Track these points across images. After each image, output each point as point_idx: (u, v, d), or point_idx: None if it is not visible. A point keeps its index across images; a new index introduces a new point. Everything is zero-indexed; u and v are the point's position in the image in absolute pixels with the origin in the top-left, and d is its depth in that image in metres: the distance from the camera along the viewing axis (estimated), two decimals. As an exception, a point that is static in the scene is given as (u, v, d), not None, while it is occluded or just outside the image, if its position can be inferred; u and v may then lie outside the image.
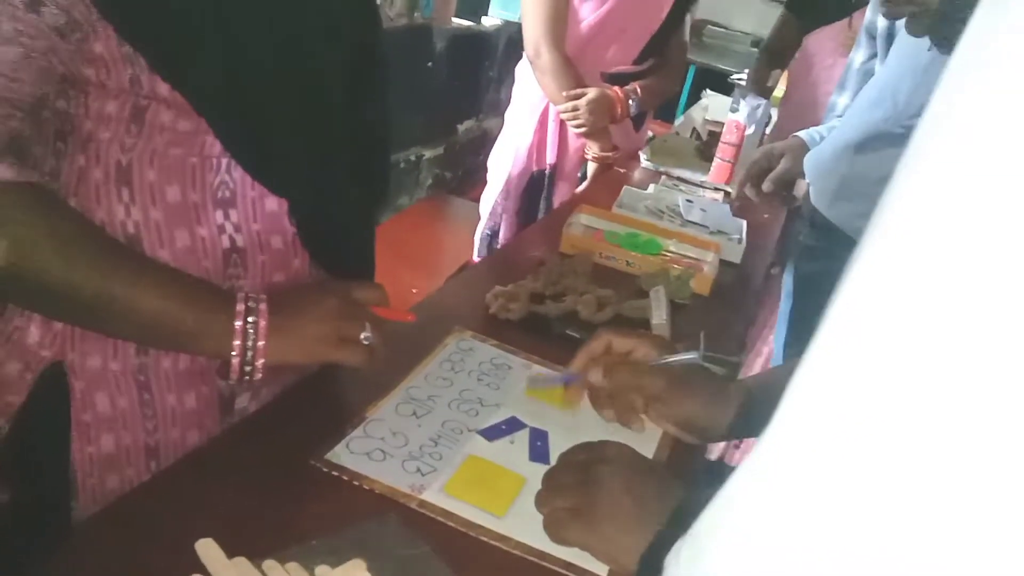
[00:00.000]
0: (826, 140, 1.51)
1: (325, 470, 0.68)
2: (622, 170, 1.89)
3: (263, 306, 0.68)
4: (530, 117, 1.91)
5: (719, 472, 1.47)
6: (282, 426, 0.73)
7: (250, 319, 0.67)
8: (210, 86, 0.66)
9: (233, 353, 0.66)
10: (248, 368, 0.67)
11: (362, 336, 0.72)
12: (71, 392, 0.71)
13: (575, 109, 1.77)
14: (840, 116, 1.73)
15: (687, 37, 2.03)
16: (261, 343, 0.67)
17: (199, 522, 0.59)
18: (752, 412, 0.78)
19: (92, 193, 0.68)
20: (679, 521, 0.32)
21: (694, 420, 0.80)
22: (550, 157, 1.91)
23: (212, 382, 0.75)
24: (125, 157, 0.67)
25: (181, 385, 0.74)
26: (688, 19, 1.99)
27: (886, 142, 1.21)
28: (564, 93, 1.77)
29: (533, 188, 1.93)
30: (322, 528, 0.61)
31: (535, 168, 1.93)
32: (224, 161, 0.70)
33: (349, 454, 0.71)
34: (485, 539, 0.65)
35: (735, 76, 3.24)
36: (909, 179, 0.24)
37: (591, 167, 1.87)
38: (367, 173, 0.85)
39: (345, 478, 0.68)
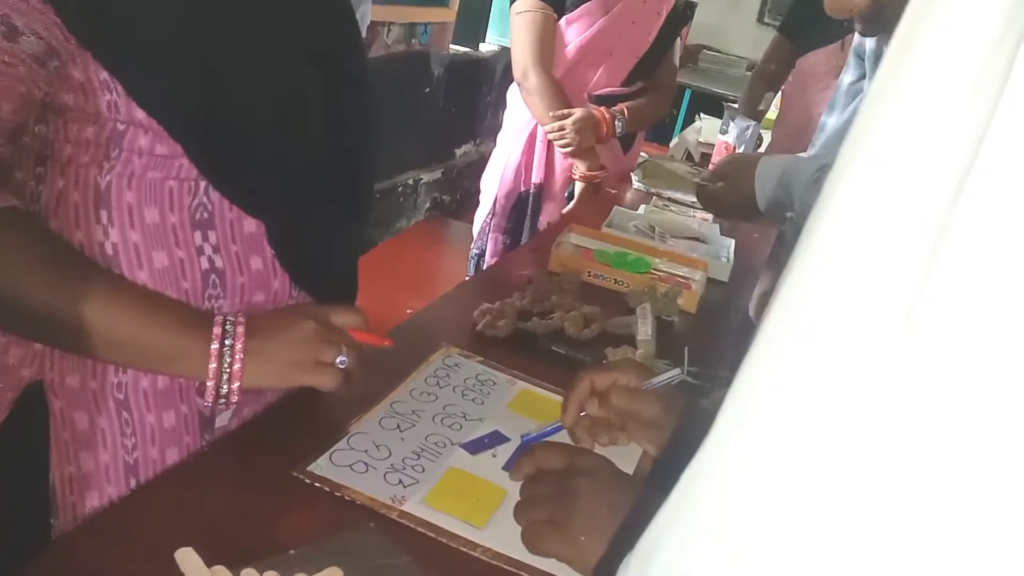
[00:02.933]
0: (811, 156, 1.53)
1: (307, 481, 0.69)
2: (613, 191, 1.91)
3: (240, 329, 0.69)
4: (518, 138, 1.94)
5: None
6: (265, 439, 0.74)
7: (227, 342, 0.68)
8: (186, 112, 0.68)
9: (208, 376, 0.67)
10: (223, 391, 0.68)
11: (337, 360, 0.72)
12: (50, 411, 0.71)
13: (561, 129, 1.79)
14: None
15: (677, 61, 2.06)
16: (236, 366, 0.68)
17: (180, 532, 0.59)
18: None
19: (71, 215, 0.69)
20: (625, 535, 0.32)
21: None
22: (536, 177, 1.94)
23: (191, 401, 0.76)
24: (104, 180, 0.69)
25: (160, 404, 0.75)
26: (678, 44, 2.03)
27: None
28: (551, 113, 1.80)
29: (520, 208, 1.96)
30: (303, 538, 0.62)
31: (522, 188, 1.96)
32: (202, 183, 0.71)
33: (331, 466, 0.71)
34: (465, 550, 0.65)
35: (731, 100, 3.28)
36: (834, 191, 0.25)
37: (578, 187, 1.89)
38: (348, 197, 0.86)
39: (327, 489, 0.69)
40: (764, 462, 0.25)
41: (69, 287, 0.63)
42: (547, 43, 1.81)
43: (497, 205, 1.96)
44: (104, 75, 0.64)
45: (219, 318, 0.69)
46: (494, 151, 2.03)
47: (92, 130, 0.67)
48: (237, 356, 0.68)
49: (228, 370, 0.68)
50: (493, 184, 1.98)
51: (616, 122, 1.86)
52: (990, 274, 0.22)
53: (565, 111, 1.80)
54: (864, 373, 0.23)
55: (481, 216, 2.00)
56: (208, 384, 0.68)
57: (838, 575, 0.24)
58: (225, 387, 0.68)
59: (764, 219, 1.43)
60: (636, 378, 0.80)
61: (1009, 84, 0.22)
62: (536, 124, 1.89)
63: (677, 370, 0.80)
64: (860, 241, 0.24)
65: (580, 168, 1.86)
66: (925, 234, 0.23)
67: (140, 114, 0.66)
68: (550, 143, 1.88)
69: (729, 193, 1.38)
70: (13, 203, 0.63)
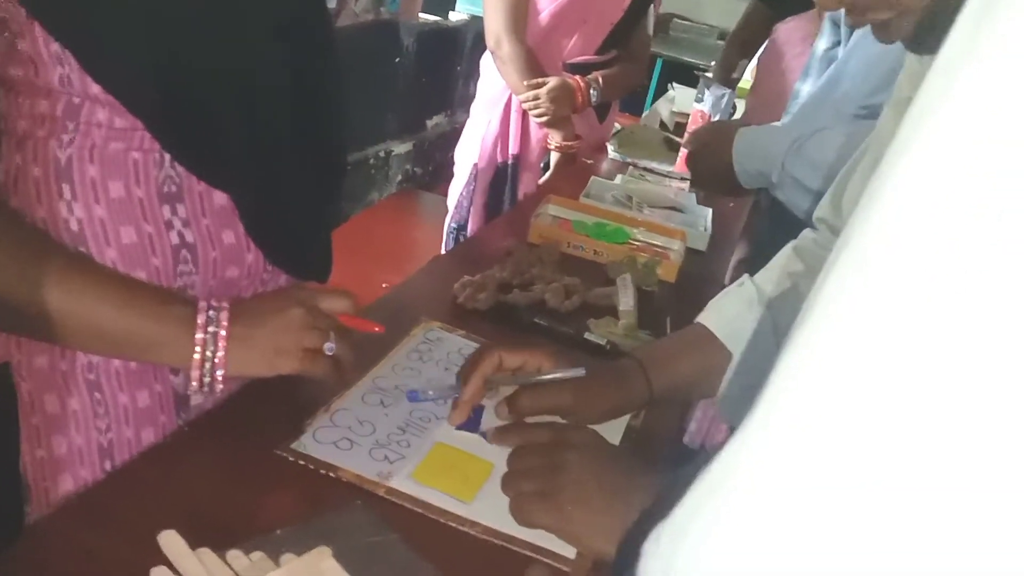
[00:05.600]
0: (785, 123, 1.53)
1: (291, 460, 0.68)
2: (589, 161, 1.90)
3: (223, 315, 0.66)
4: (493, 108, 1.91)
5: (694, 458, 1.48)
6: (245, 417, 0.72)
7: (210, 329, 0.66)
8: (143, 85, 0.65)
9: (193, 365, 0.65)
10: (207, 379, 0.66)
11: (325, 347, 0.71)
12: (18, 394, 0.69)
13: (536, 98, 1.77)
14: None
15: (651, 30, 2.05)
16: (220, 354, 0.66)
17: (162, 515, 0.58)
18: (655, 388, 0.82)
19: (32, 192, 0.66)
20: (658, 508, 0.31)
21: (612, 413, 0.81)
22: (513, 148, 1.92)
23: (165, 379, 0.74)
24: (64, 154, 0.66)
25: (133, 383, 0.73)
26: (652, 12, 2.00)
27: (838, 123, 1.22)
28: (525, 83, 1.77)
29: (497, 179, 1.94)
30: (289, 518, 0.61)
31: (499, 159, 1.93)
32: (167, 155, 0.69)
33: (315, 443, 0.70)
34: (453, 524, 0.65)
35: (702, 69, 3.27)
36: (894, 173, 0.24)
37: (554, 157, 1.87)
38: (318, 169, 0.84)
39: (311, 467, 0.67)
40: (817, 430, 0.24)
41: (42, 277, 0.60)
42: (520, 11, 1.78)
43: (475, 177, 1.93)
44: (55, 47, 0.61)
45: (203, 304, 0.66)
46: (468, 122, 2.00)
47: (45, 104, 0.64)
48: (221, 344, 0.66)
49: (212, 358, 0.66)
50: (468, 156, 1.95)
51: (591, 91, 1.84)
52: None
53: (539, 80, 1.78)
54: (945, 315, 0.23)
55: (456, 189, 1.97)
56: (193, 372, 0.66)
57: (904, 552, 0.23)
58: (209, 376, 0.66)
59: (746, 192, 1.43)
60: (547, 361, 0.79)
61: None
62: (511, 94, 1.87)
63: (581, 369, 0.78)
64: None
65: (555, 138, 1.84)
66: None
67: (95, 88, 0.63)
68: (525, 113, 1.86)
69: (708, 166, 1.38)
70: None
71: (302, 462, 0.68)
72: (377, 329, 0.78)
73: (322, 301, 0.73)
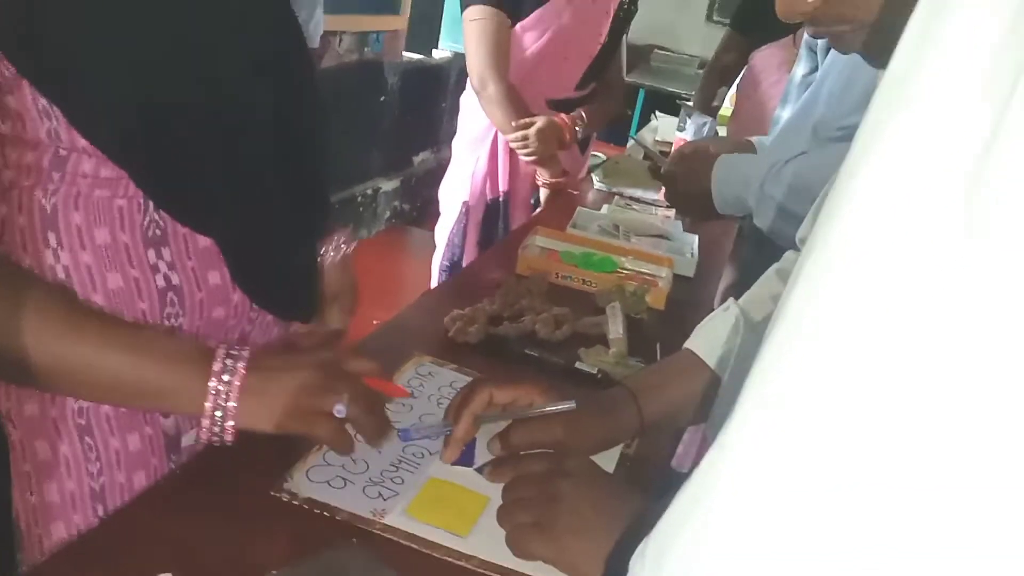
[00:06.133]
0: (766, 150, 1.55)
1: (285, 500, 0.67)
2: (575, 192, 1.92)
3: (241, 364, 0.65)
4: (479, 147, 1.93)
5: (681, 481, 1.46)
6: (238, 459, 0.72)
7: (224, 377, 0.64)
8: (129, 138, 0.66)
9: (205, 414, 0.64)
10: (218, 430, 0.65)
11: (335, 409, 0.68)
12: (9, 442, 0.69)
13: (524, 138, 1.79)
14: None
15: (624, 59, 2.08)
16: (232, 404, 0.64)
17: (157, 558, 0.58)
18: (648, 414, 0.82)
19: (18, 240, 0.66)
20: (643, 525, 0.32)
21: (604, 444, 0.81)
22: (503, 185, 1.94)
23: (156, 422, 0.74)
24: (49, 202, 0.66)
25: (124, 427, 0.72)
26: (624, 41, 2.04)
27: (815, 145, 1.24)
28: (513, 123, 1.79)
29: (489, 217, 1.95)
30: (284, 558, 0.61)
31: (489, 197, 1.95)
32: (151, 201, 0.70)
33: (309, 483, 0.70)
34: (449, 559, 0.65)
35: (684, 98, 3.32)
36: (853, 183, 0.25)
37: (543, 193, 1.89)
38: (302, 209, 0.84)
39: (306, 507, 0.67)
40: (791, 443, 0.25)
41: (55, 330, 0.60)
42: (503, 50, 1.81)
43: (466, 215, 1.94)
44: (43, 103, 0.63)
45: (220, 352, 0.65)
46: (452, 160, 2.02)
47: (32, 156, 0.65)
48: (234, 394, 0.64)
49: (223, 407, 0.64)
50: (457, 194, 1.96)
51: (576, 127, 1.87)
52: None
53: (528, 120, 1.80)
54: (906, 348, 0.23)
55: (445, 227, 1.98)
56: (204, 422, 0.64)
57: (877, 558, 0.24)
58: (220, 427, 0.64)
59: (723, 218, 1.45)
60: (538, 396, 0.79)
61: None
62: (496, 132, 1.89)
63: (571, 402, 0.78)
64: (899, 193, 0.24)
65: (544, 175, 1.86)
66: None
67: (82, 141, 0.64)
68: (512, 151, 1.88)
69: (685, 189, 1.40)
70: None
71: (296, 502, 0.67)
72: (404, 394, 0.79)
73: (349, 363, 0.72)
